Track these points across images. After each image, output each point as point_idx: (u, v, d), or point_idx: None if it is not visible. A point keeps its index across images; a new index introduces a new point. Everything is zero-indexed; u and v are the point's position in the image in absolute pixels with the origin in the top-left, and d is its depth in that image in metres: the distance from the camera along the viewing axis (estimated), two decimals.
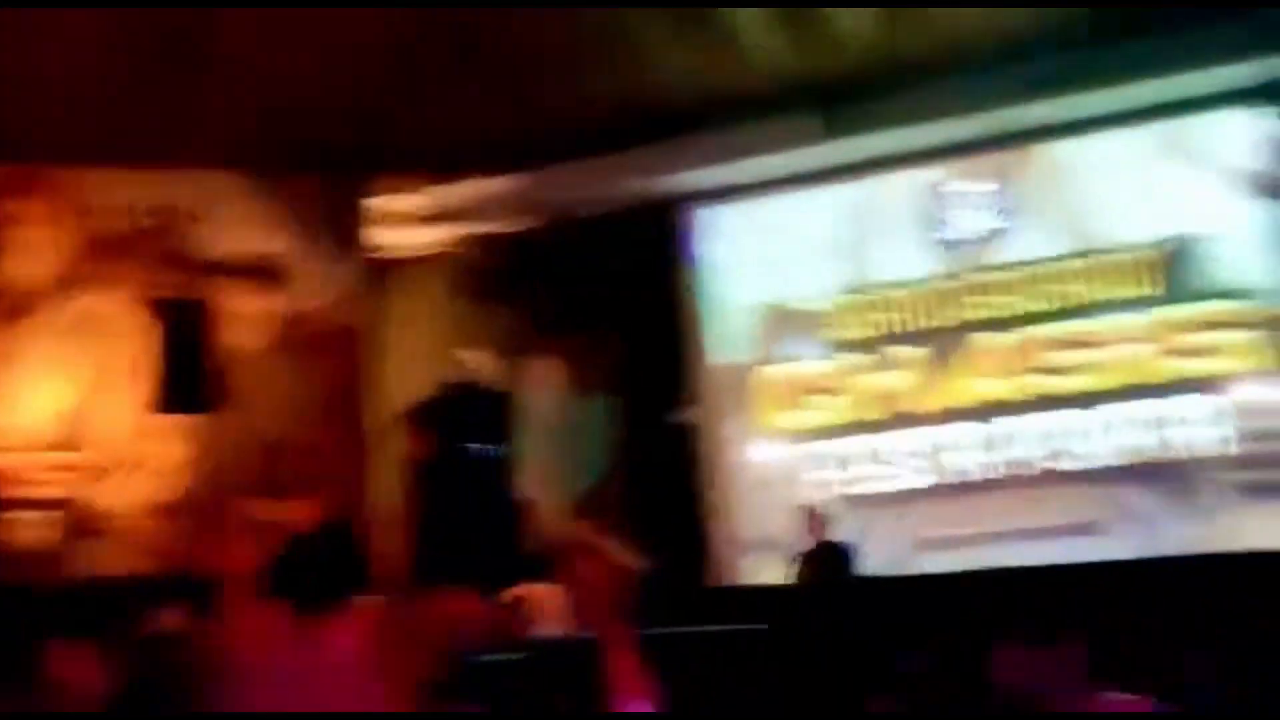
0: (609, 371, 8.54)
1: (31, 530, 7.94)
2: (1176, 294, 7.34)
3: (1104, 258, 7.52)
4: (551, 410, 8.42)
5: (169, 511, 8.19)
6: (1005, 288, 7.79)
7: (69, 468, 8.18)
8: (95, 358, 8.37)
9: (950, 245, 7.99)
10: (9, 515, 7.76)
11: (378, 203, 8.84)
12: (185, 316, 7.48)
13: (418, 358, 8.81)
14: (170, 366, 7.28)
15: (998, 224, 7.88)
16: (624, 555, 6.81)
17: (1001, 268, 7.80)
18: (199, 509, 8.09)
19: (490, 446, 6.62)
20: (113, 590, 7.57)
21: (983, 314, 7.83)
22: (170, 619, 6.68)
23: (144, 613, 6.70)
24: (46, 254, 8.45)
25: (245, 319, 8.47)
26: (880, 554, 7.50)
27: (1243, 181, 7.29)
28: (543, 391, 8.41)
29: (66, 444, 8.21)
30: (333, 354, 8.58)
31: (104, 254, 8.46)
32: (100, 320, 8.40)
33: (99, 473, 8.20)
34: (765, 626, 6.11)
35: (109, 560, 8.06)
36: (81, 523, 8.11)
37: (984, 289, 7.87)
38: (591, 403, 8.55)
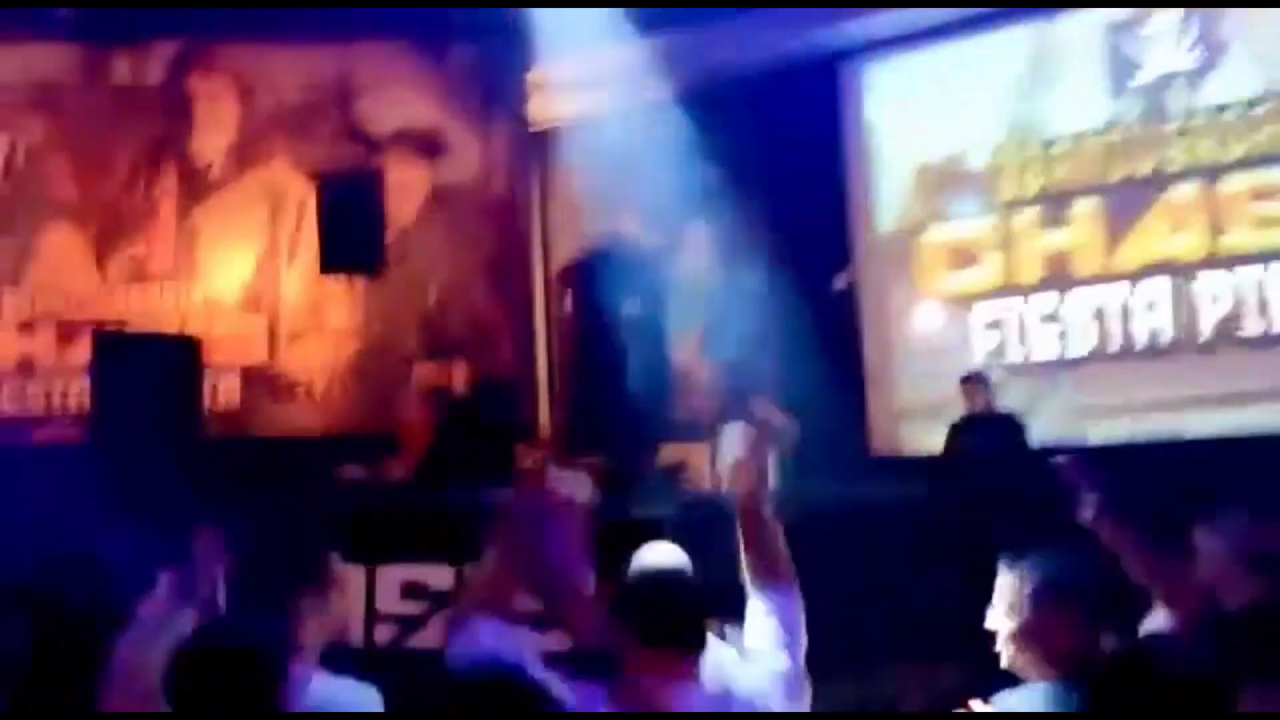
0: (762, 237, 7.95)
1: (226, 391, 8.07)
2: None
3: None
4: (702, 279, 7.92)
5: (346, 375, 8.18)
6: (1195, 135, 6.42)
7: (258, 334, 8.24)
8: (274, 229, 8.31)
9: (1135, 90, 6.64)
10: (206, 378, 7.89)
11: (534, 72, 8.37)
12: (356, 185, 7.34)
13: (575, 224, 8.42)
14: (338, 231, 7.13)
15: (1192, 64, 6.50)
16: (780, 421, 6.29)
17: (1192, 113, 6.45)
18: (374, 373, 8.04)
19: (642, 307, 6.22)
20: (300, 447, 7.67)
21: (1168, 165, 6.52)
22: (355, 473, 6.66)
23: (329, 468, 6.72)
24: (226, 130, 8.34)
25: (410, 188, 8.22)
26: (1045, 423, 6.85)
27: None
28: (694, 259, 7.90)
29: (253, 311, 8.24)
30: (494, 221, 8.25)
31: (279, 128, 8.31)
32: (278, 192, 8.31)
33: (285, 338, 8.23)
34: (925, 494, 5.61)
35: (295, 419, 8.14)
36: (271, 385, 8.20)
37: (1170, 137, 6.53)
38: (743, 271, 7.99)
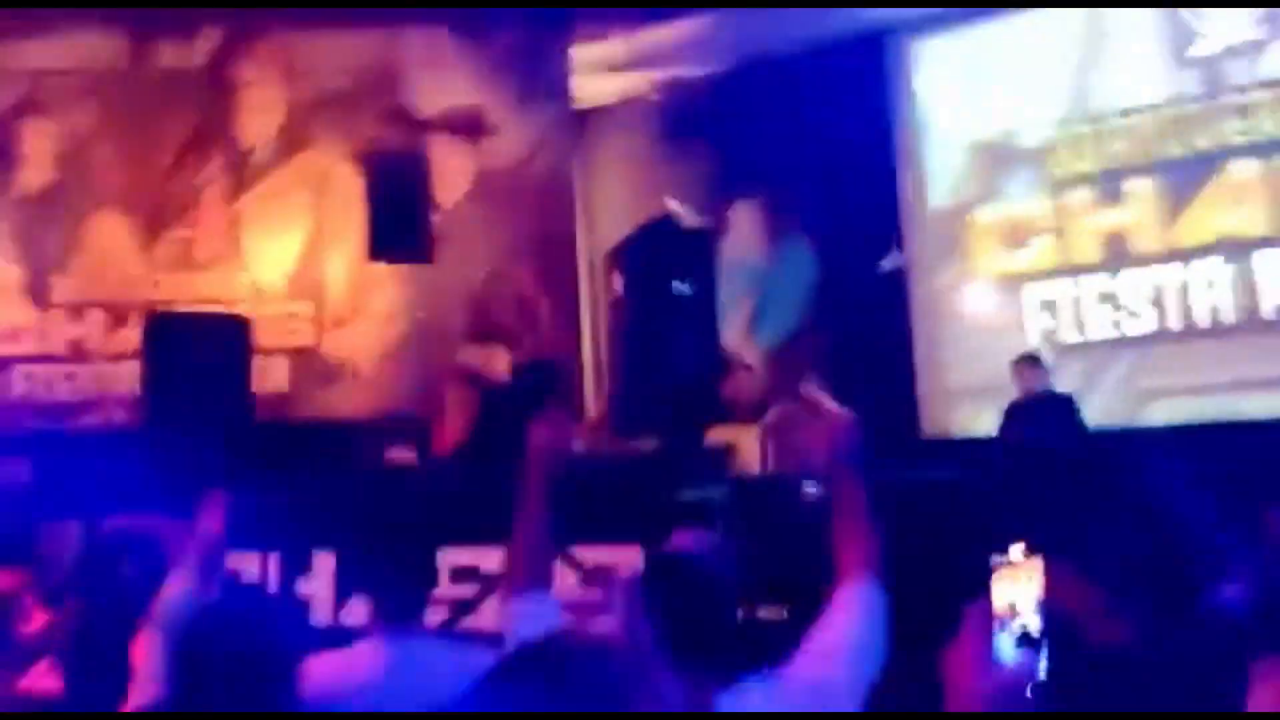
0: (810, 216, 7.89)
1: (273, 375, 8.15)
2: None
3: None
4: (750, 258, 7.85)
5: (391, 358, 8.23)
6: (1255, 110, 6.32)
7: (304, 318, 8.31)
8: (320, 213, 8.37)
9: (1193, 65, 6.53)
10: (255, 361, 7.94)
11: (577, 52, 8.34)
12: (401, 169, 7.35)
13: (619, 205, 8.40)
14: (386, 217, 7.16)
15: (1251, 38, 6.36)
16: (834, 404, 6.24)
17: (1251, 88, 6.34)
18: (420, 355, 8.09)
19: (693, 286, 6.18)
20: (345, 430, 7.73)
21: (1227, 140, 6.41)
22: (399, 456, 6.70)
23: (373, 450, 6.76)
24: (272, 115, 8.39)
25: (454, 171, 8.24)
26: (1101, 405, 6.56)
27: None
28: (741, 239, 7.85)
29: (299, 295, 8.33)
30: (537, 203, 8.23)
31: (324, 112, 8.35)
32: (323, 176, 8.37)
33: (331, 321, 8.30)
34: (977, 475, 5.54)
35: (341, 402, 8.21)
36: (317, 368, 8.27)
37: (1232, 111, 6.41)
38: (791, 249, 7.92)
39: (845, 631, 1.86)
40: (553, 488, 2.09)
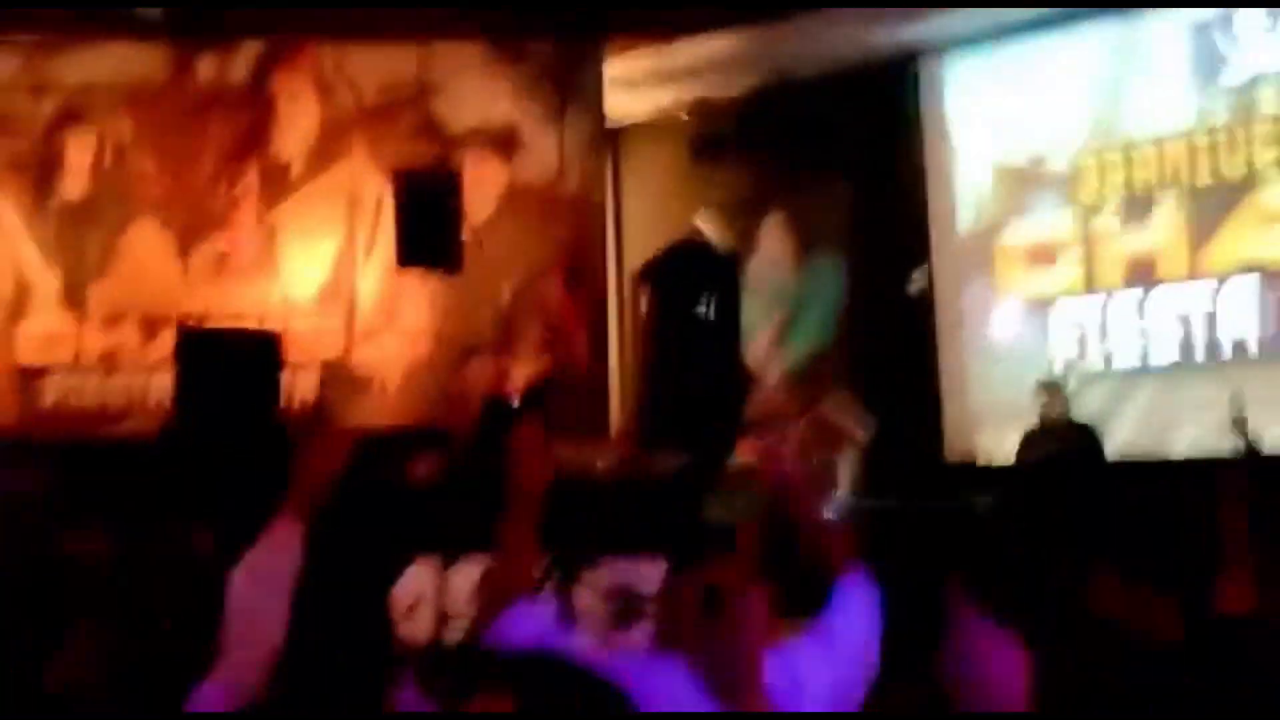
0: (838, 235, 8.01)
1: (303, 388, 8.35)
2: None
3: None
4: (778, 275, 7.99)
5: (420, 371, 8.42)
6: None
7: (334, 330, 8.51)
8: (352, 226, 8.56)
9: (1221, 91, 6.65)
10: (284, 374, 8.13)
11: (609, 69, 8.49)
12: (433, 184, 7.51)
13: (649, 222, 8.55)
14: (416, 231, 7.31)
15: None
16: (855, 423, 6.37)
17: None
18: (448, 368, 8.26)
19: (719, 307, 6.28)
20: (374, 442, 7.89)
21: (1259, 167, 6.52)
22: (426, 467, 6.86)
23: (403, 462, 6.92)
24: (308, 128, 8.62)
25: (484, 185, 8.40)
26: (1128, 433, 6.70)
27: None
28: (769, 256, 7.98)
29: (329, 307, 8.52)
30: (568, 219, 8.39)
31: (358, 126, 8.55)
32: (356, 189, 8.56)
33: (361, 334, 8.49)
34: (993, 501, 5.63)
35: (368, 414, 8.40)
36: (345, 380, 8.46)
37: (1257, 139, 6.55)
38: (819, 268, 8.05)
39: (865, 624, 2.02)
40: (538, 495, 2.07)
